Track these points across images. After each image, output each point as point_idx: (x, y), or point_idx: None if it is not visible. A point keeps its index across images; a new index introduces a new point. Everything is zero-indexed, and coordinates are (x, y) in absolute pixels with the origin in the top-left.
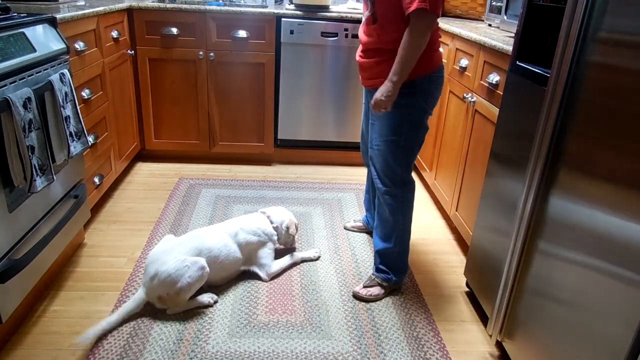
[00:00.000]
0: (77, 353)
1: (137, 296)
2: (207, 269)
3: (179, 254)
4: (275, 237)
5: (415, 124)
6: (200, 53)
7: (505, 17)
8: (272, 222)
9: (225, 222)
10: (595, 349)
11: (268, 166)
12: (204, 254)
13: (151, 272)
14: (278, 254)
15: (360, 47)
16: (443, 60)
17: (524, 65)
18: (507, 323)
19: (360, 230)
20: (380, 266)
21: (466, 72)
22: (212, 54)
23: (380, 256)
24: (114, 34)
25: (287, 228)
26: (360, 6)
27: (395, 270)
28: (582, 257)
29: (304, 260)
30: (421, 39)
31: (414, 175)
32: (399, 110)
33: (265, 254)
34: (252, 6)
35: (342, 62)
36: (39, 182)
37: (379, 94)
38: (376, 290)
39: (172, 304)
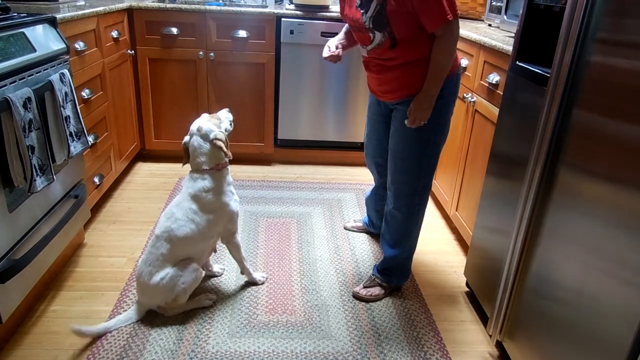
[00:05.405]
0: (77, 353)
1: (126, 316)
2: (201, 270)
3: (164, 267)
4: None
5: (442, 125)
6: (200, 53)
7: (505, 17)
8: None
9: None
10: (595, 349)
11: (268, 166)
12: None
13: (143, 298)
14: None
15: (372, 66)
16: None
17: (524, 65)
18: (507, 323)
19: (360, 230)
20: (382, 268)
21: (466, 72)
22: (212, 54)
23: (386, 260)
24: (114, 34)
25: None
26: None
27: (398, 274)
28: (582, 257)
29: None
30: (454, 46)
31: None
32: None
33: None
34: (252, 6)
35: (342, 62)
36: (39, 182)
37: (418, 109)
38: (376, 291)
39: (170, 310)
